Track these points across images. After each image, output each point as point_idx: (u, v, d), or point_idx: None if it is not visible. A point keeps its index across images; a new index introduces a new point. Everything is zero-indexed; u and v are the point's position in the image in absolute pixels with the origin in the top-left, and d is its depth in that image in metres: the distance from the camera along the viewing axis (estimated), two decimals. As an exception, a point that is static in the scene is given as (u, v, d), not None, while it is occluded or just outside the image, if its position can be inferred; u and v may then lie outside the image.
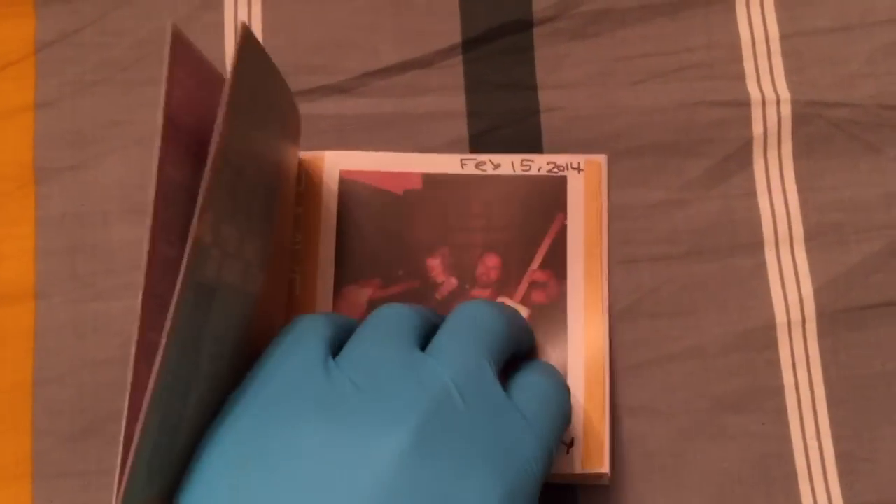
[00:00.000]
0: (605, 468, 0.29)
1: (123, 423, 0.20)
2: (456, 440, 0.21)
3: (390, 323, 0.24)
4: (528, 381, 0.25)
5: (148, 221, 0.21)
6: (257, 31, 0.34)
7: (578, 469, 0.29)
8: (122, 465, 0.20)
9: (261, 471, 0.21)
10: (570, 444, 0.29)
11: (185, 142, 0.23)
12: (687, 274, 0.32)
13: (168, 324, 0.20)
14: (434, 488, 0.20)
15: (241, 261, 0.23)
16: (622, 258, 0.33)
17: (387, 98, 0.34)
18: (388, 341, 0.24)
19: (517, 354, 0.27)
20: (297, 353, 0.23)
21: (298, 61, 0.34)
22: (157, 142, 0.21)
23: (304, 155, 0.32)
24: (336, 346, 0.24)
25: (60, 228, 0.33)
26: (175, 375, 0.21)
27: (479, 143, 0.33)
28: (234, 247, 0.23)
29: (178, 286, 0.20)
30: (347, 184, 0.32)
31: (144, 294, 0.21)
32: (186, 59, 0.23)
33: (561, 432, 0.25)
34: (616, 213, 0.33)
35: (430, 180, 0.32)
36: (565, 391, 0.27)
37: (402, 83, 0.34)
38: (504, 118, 0.34)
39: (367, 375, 0.22)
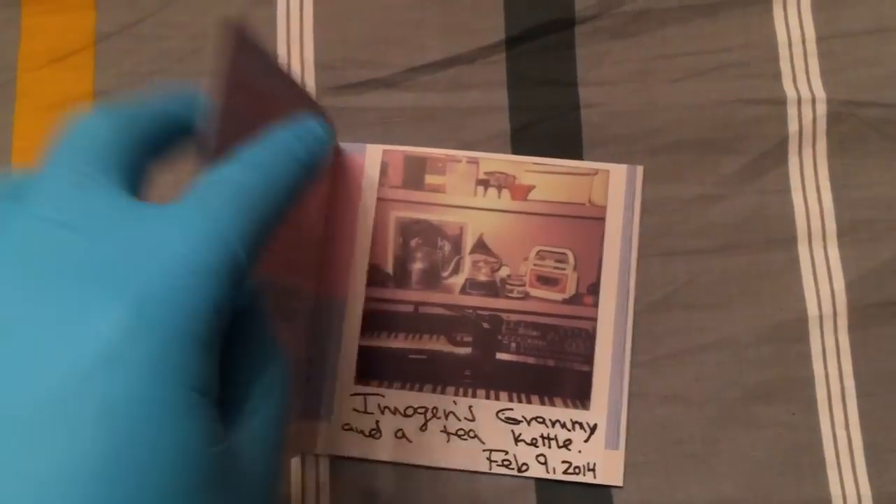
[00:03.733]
0: (619, 482, 0.32)
1: None
2: (67, 282, 0.18)
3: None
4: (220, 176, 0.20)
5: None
6: (308, 25, 0.35)
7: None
8: None
9: None
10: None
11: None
12: (721, 267, 0.33)
13: None
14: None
15: None
16: (658, 251, 0.34)
17: (431, 92, 0.35)
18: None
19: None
20: None
21: (347, 55, 0.35)
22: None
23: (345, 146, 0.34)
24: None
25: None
26: None
27: (520, 137, 0.34)
28: None
29: None
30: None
31: None
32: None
33: (262, 229, 0.20)
34: (652, 207, 0.34)
35: None
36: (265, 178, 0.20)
37: (447, 78, 0.35)
38: (545, 113, 0.35)
39: None
